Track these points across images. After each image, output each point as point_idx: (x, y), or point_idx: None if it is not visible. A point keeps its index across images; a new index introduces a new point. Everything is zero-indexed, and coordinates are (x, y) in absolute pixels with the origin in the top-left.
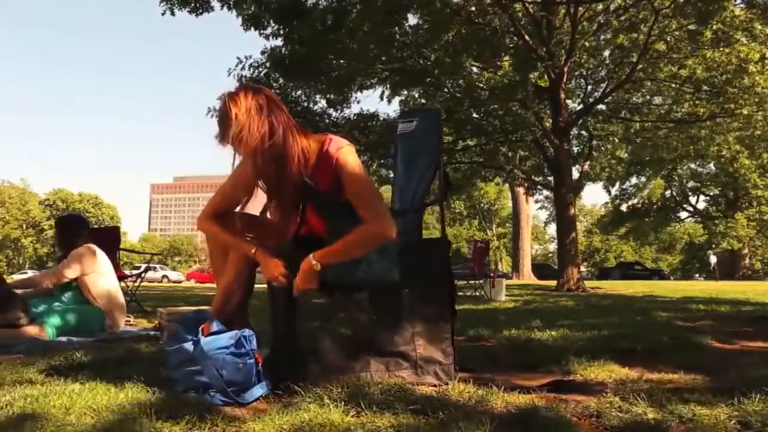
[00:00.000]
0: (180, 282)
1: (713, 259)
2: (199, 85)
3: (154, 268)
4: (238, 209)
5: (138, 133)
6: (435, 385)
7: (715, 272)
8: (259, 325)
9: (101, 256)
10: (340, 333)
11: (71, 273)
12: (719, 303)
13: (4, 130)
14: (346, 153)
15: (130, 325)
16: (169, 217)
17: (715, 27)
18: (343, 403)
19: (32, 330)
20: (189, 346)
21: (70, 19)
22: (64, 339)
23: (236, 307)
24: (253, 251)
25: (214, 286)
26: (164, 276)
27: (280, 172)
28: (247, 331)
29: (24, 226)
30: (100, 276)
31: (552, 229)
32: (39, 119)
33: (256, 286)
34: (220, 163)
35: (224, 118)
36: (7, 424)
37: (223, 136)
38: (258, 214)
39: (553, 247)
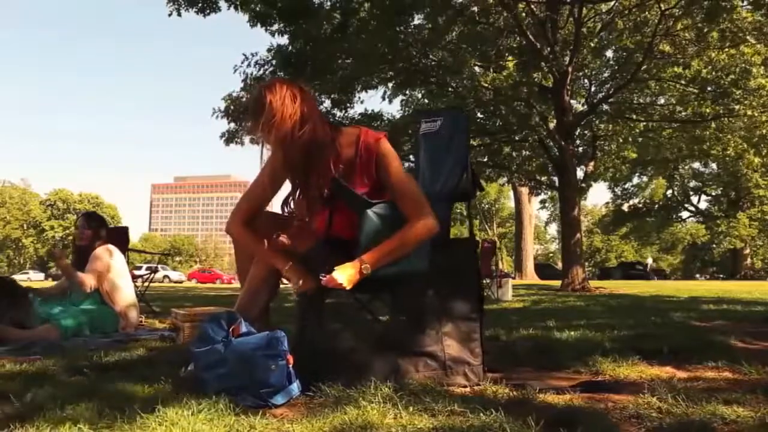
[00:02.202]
0: (181, 282)
1: (649, 261)
2: (200, 85)
3: (156, 269)
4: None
5: (138, 133)
6: (465, 386)
7: (649, 274)
8: (279, 326)
9: (118, 256)
10: (368, 333)
11: (98, 276)
12: (729, 303)
13: (4, 130)
14: (385, 144)
15: (142, 325)
16: (169, 217)
17: (722, 26)
18: (379, 404)
19: (47, 331)
20: (220, 347)
21: (70, 19)
22: (79, 340)
23: (261, 309)
24: (286, 268)
25: (215, 285)
26: (165, 276)
27: (309, 163)
28: (279, 332)
29: (25, 226)
30: (118, 277)
31: (552, 229)
32: (39, 119)
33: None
34: (221, 163)
35: (257, 105)
36: (44, 427)
37: (253, 125)
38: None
39: (554, 247)
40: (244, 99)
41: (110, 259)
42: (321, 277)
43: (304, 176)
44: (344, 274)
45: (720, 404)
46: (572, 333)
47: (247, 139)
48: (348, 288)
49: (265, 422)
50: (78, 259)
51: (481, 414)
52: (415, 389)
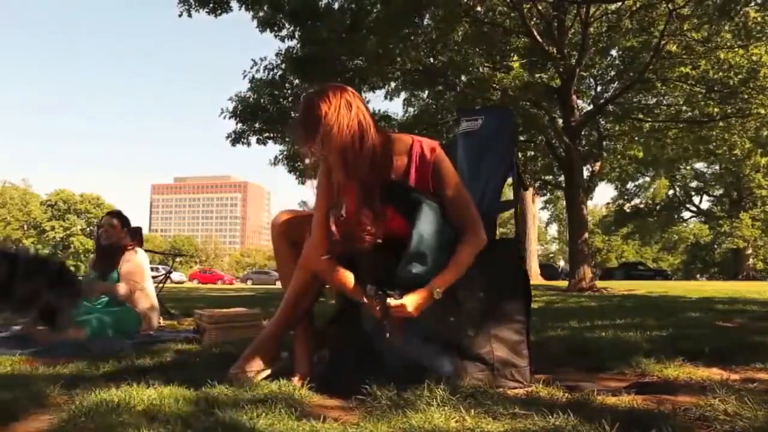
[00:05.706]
0: (182, 282)
1: (561, 263)
2: (200, 85)
3: (170, 270)
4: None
5: (138, 133)
6: (514, 388)
7: (562, 275)
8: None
9: (145, 258)
10: (415, 335)
11: (143, 280)
12: (744, 303)
13: (4, 130)
14: (442, 155)
15: (161, 327)
16: (169, 218)
17: (736, 21)
18: (438, 407)
19: (71, 331)
20: None
21: (70, 19)
22: (104, 341)
23: (305, 312)
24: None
25: (217, 286)
26: (167, 277)
27: (372, 173)
28: None
29: (25, 226)
30: (143, 279)
31: (553, 230)
32: (39, 119)
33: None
34: (221, 164)
35: (310, 117)
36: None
37: (307, 138)
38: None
39: (554, 247)
40: (252, 99)
41: (143, 263)
42: (392, 297)
43: (368, 185)
44: (411, 302)
45: None
46: (603, 334)
47: (253, 139)
48: (415, 315)
49: (327, 426)
50: (99, 259)
51: (549, 417)
52: (468, 392)
